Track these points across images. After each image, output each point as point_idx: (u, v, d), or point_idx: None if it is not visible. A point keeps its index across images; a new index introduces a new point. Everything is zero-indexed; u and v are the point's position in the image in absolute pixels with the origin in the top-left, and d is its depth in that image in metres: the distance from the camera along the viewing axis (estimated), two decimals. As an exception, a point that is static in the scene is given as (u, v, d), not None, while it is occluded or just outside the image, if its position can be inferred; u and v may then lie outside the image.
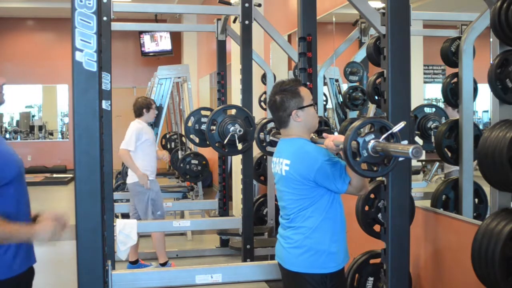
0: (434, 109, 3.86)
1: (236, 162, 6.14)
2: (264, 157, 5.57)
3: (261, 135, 3.33)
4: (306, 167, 2.25)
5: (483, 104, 4.13)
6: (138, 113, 5.16)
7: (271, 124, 3.29)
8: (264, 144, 3.35)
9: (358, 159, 1.95)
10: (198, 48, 12.16)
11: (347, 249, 2.40)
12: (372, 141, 1.94)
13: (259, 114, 5.81)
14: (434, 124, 3.70)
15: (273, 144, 3.25)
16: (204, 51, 11.43)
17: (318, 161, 2.23)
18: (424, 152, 3.97)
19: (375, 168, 1.99)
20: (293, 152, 2.33)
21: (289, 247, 2.35)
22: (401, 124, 1.94)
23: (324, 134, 2.27)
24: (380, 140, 1.94)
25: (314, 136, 2.48)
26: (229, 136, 4.03)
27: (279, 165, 2.39)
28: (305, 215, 2.29)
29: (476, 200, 3.31)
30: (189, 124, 5.14)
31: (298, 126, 2.37)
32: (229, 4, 4.96)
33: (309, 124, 2.38)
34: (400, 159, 2.00)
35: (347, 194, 2.28)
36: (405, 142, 1.87)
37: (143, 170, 4.99)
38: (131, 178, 5.06)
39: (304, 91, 2.38)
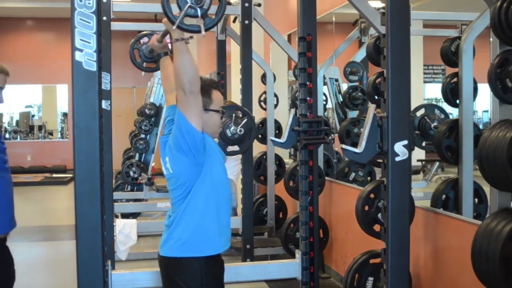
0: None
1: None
2: (264, 157, 5.57)
3: None
4: (173, 143, 2.22)
5: (483, 104, 4.13)
6: None
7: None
8: None
9: None
10: (198, 48, 12.16)
11: (228, 236, 2.35)
12: None
13: (259, 114, 5.80)
14: (434, 124, 3.70)
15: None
16: (204, 51, 11.43)
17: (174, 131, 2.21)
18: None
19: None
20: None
21: (168, 234, 2.29)
22: None
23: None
24: None
25: None
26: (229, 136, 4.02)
27: (165, 164, 2.34)
28: (183, 202, 2.25)
29: (476, 200, 3.31)
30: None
31: None
32: (229, 4, 4.96)
33: (207, 128, 2.27)
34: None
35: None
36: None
37: None
38: None
39: (216, 95, 2.32)
